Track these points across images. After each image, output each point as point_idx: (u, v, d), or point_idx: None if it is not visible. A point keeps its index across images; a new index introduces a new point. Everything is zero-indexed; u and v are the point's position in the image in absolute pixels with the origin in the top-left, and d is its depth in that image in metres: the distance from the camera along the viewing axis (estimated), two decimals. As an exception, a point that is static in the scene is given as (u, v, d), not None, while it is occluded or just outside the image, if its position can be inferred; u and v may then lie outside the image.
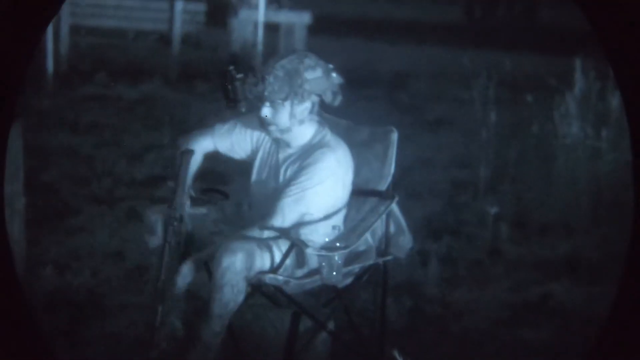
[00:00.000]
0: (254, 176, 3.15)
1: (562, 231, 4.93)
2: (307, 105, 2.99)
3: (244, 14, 10.01)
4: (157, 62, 9.50)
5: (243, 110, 2.96)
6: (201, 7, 10.43)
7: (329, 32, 11.58)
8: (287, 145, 3.06)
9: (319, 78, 2.97)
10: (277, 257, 2.99)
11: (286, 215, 2.98)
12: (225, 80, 2.92)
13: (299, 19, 10.39)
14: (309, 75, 2.95)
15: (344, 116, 3.18)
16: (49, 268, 3.99)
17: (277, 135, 3.03)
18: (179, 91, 8.54)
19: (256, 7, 9.64)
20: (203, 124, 6.82)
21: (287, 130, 3.01)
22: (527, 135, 5.83)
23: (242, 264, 2.89)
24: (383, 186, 3.14)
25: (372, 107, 7.68)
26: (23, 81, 2.66)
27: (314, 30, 10.48)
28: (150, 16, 10.15)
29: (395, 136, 3.14)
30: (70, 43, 9.35)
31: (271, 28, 10.07)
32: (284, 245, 3.00)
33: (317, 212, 3.01)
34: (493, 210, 4.84)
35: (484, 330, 3.81)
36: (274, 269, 2.97)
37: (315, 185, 2.97)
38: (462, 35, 13.99)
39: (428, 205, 5.30)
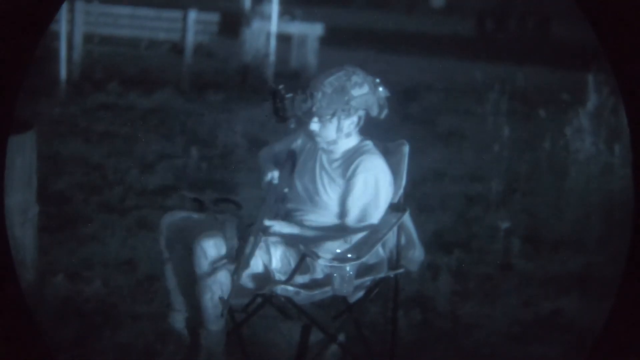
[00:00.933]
0: (296, 176, 3.21)
1: (574, 247, 4.91)
2: (353, 119, 3.09)
3: (256, 24, 10.04)
4: (169, 71, 9.53)
5: (292, 126, 3.08)
6: (214, 18, 10.47)
7: (341, 44, 11.60)
8: (332, 152, 3.15)
9: (366, 94, 3.05)
10: (272, 261, 2.99)
11: (364, 219, 3.05)
12: (275, 99, 3.02)
13: (312, 30, 10.43)
14: (356, 92, 3.03)
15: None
16: (60, 276, 3.99)
17: (324, 146, 3.14)
18: (191, 101, 8.55)
19: (269, 18, 9.66)
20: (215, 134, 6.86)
21: (334, 142, 3.11)
22: (539, 150, 5.82)
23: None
24: (395, 198, 3.15)
25: (384, 119, 7.67)
26: (20, 88, 2.67)
27: (326, 41, 10.50)
28: (164, 26, 10.18)
29: (406, 149, 3.18)
30: (84, 51, 9.39)
31: (283, 39, 10.09)
32: (279, 248, 3.00)
33: (379, 214, 3.08)
34: (504, 224, 4.83)
35: (494, 345, 3.79)
36: (285, 280, 2.97)
37: (373, 195, 3.05)
38: (474, 48, 13.99)
39: (439, 219, 5.28)
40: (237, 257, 2.94)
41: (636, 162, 2.62)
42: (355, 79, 3.03)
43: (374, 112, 3.08)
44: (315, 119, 3.06)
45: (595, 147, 5.33)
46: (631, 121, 2.61)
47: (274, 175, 3.18)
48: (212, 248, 2.92)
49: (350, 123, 3.08)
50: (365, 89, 3.04)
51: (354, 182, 3.05)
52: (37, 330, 2.77)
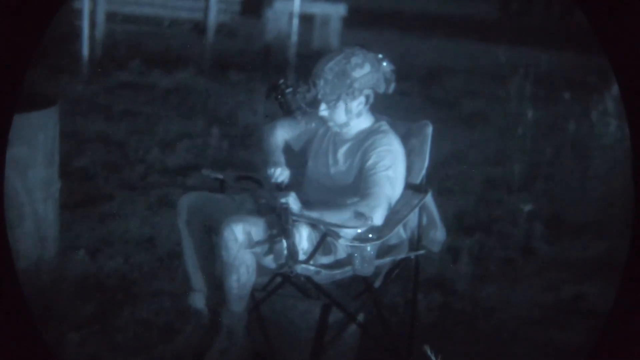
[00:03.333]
0: (310, 161, 3.21)
1: (597, 231, 4.87)
2: (361, 99, 3.08)
3: (279, 4, 10.00)
4: (191, 50, 9.52)
5: (299, 117, 3.09)
6: (237, -3, 10.44)
7: (364, 25, 11.53)
8: (346, 134, 3.14)
9: (368, 74, 3.04)
10: (297, 241, 2.97)
11: (380, 199, 2.97)
12: (276, 94, 3.03)
13: (335, 11, 10.37)
14: (357, 73, 3.02)
15: (379, 109, 3.18)
16: (81, 252, 4.01)
17: (337, 129, 3.13)
18: (213, 80, 8.54)
19: (292, -3, 9.61)
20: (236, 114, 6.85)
21: (345, 124, 3.11)
22: (563, 134, 5.76)
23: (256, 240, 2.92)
24: (417, 179, 3.13)
25: (406, 101, 7.64)
26: (23, 77, 2.65)
27: (349, 22, 10.44)
28: (186, 5, 10.17)
29: (430, 130, 3.16)
30: (106, 30, 9.39)
31: (306, 19, 10.04)
32: (303, 229, 2.99)
33: (396, 193, 3.04)
34: (526, 208, 4.79)
35: (514, 329, 3.78)
36: (306, 259, 2.96)
37: (390, 167, 3.01)
38: (498, 30, 13.87)
39: (461, 201, 5.25)
40: (275, 235, 2.92)
41: (636, 162, 2.59)
42: (355, 60, 3.02)
43: (381, 88, 3.07)
44: (323, 105, 3.06)
45: (620, 131, 5.27)
46: (631, 121, 2.58)
47: (284, 174, 3.10)
48: (241, 232, 2.91)
49: (358, 104, 3.07)
50: (366, 68, 3.03)
51: (367, 158, 3.03)
52: (37, 330, 2.76)
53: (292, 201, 2.91)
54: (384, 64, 3.07)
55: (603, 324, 2.79)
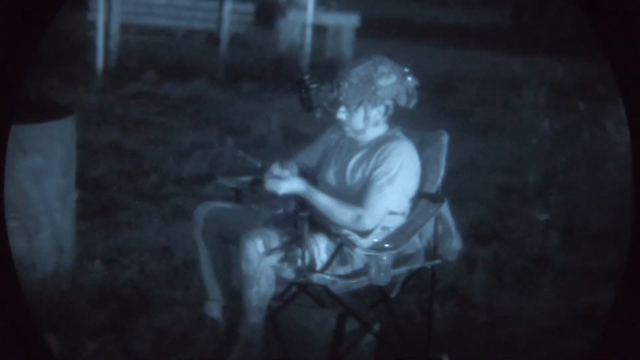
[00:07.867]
0: (321, 169, 3.21)
1: (612, 241, 4.84)
2: (380, 109, 3.08)
3: (292, 15, 10.02)
4: (204, 61, 9.56)
5: (318, 116, 3.07)
6: (250, 8, 10.50)
7: (377, 35, 11.53)
8: (360, 141, 3.14)
9: (393, 84, 3.04)
10: (315, 253, 2.98)
11: (377, 210, 3.00)
12: (300, 89, 3.01)
13: (347, 21, 10.38)
14: (383, 82, 3.02)
15: (393, 118, 3.18)
16: (97, 262, 4.02)
17: (352, 135, 3.13)
18: (226, 90, 8.57)
19: (304, 8, 9.64)
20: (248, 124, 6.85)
21: (361, 131, 3.10)
22: (577, 142, 5.74)
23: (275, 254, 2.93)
24: (432, 189, 3.13)
25: (419, 111, 7.62)
26: (21, 81, 2.66)
27: (361, 32, 10.45)
28: (200, 16, 10.24)
29: (446, 139, 3.17)
30: (120, 40, 9.45)
31: (319, 30, 10.06)
32: (321, 240, 2.99)
33: (399, 202, 3.05)
34: (542, 217, 4.78)
35: (530, 339, 3.76)
36: (321, 269, 2.97)
37: (397, 174, 3.02)
38: (511, 40, 13.86)
39: (476, 211, 5.24)
40: (291, 242, 2.94)
41: (636, 162, 2.58)
42: (382, 69, 3.03)
43: (402, 101, 3.07)
44: (343, 108, 3.06)
45: (635, 140, 5.24)
46: (631, 121, 2.57)
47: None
48: (262, 245, 2.92)
49: (377, 112, 3.08)
50: (392, 79, 3.03)
51: (377, 166, 3.04)
52: (37, 332, 2.76)
53: (296, 183, 2.98)
54: (409, 78, 3.08)
55: (602, 330, 2.76)
